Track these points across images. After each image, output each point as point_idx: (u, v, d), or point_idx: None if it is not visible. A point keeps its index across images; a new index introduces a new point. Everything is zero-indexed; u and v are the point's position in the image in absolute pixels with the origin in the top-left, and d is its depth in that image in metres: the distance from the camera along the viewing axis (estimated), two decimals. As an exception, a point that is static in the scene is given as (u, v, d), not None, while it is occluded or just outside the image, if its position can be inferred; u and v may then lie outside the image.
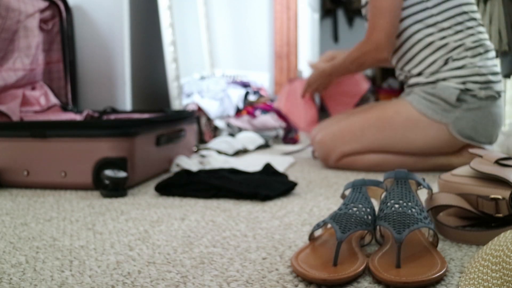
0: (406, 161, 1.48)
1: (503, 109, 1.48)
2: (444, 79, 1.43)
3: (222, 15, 3.06)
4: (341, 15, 6.25)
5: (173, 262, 0.73)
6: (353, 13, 6.16)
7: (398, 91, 5.00)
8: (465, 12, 1.44)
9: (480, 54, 1.42)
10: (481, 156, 0.93)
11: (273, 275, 0.67)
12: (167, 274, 0.68)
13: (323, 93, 1.81)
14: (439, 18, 1.44)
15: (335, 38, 6.29)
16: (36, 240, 0.85)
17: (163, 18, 2.19)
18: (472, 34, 1.43)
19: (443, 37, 1.44)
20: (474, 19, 1.45)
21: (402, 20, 1.47)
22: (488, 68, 1.42)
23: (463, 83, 1.41)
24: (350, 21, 6.23)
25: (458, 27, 1.43)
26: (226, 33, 3.07)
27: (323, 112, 1.90)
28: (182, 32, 2.57)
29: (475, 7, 1.47)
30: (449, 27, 1.43)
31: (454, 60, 1.42)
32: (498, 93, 1.43)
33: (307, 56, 3.46)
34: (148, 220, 0.98)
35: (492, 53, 1.46)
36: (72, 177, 1.28)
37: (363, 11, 1.59)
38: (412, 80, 1.51)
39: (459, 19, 1.43)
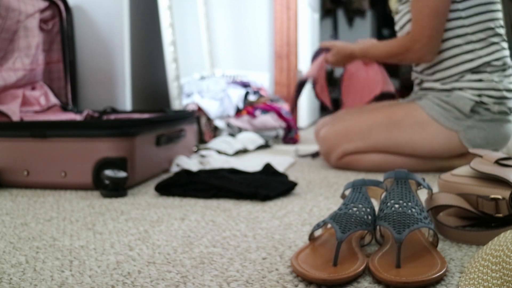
0: (408, 163, 1.48)
1: None
2: (460, 89, 1.42)
3: (222, 15, 3.06)
4: (341, 15, 6.26)
5: (173, 262, 0.73)
6: (353, 13, 6.16)
7: (398, 91, 5.00)
8: (491, 28, 1.41)
9: (499, 71, 1.42)
10: (481, 156, 0.93)
11: (273, 275, 0.67)
12: (167, 274, 0.68)
13: (344, 81, 1.80)
14: (469, 30, 1.41)
15: (335, 38, 6.29)
16: (36, 240, 0.85)
17: (163, 18, 2.19)
18: (497, 51, 1.42)
19: (469, 51, 1.41)
20: (499, 34, 1.43)
21: None
22: (504, 84, 1.41)
23: (479, 95, 1.40)
24: (350, 21, 6.23)
25: (484, 42, 1.41)
26: (226, 33, 3.07)
27: (324, 111, 1.90)
28: (182, 32, 2.57)
29: (501, 22, 1.44)
30: (476, 41, 1.41)
31: (473, 73, 1.41)
32: (510, 109, 1.43)
33: (307, 56, 3.46)
34: (148, 220, 0.98)
35: (510, 71, 1.45)
36: (72, 177, 1.29)
37: (397, 6, 1.54)
38: (427, 84, 1.50)
39: (488, 33, 1.41)
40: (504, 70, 1.42)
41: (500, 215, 0.80)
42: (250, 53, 3.06)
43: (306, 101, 3.44)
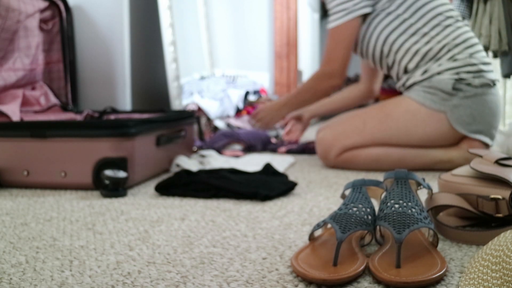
0: (406, 154, 1.50)
1: (500, 98, 1.55)
2: (438, 73, 1.49)
3: (222, 15, 3.06)
4: (341, 15, 6.24)
5: (173, 262, 0.73)
6: (353, 13, 6.14)
7: (398, 91, 4.99)
8: (439, 14, 1.52)
9: (466, 48, 1.50)
10: (481, 156, 0.93)
11: (273, 275, 0.67)
12: (167, 274, 0.68)
13: None
14: (418, 25, 1.52)
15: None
16: (36, 240, 0.85)
17: (163, 18, 2.19)
18: (452, 31, 1.51)
19: (427, 42, 1.52)
20: (450, 17, 1.53)
21: (388, 35, 1.55)
22: (478, 59, 1.50)
23: (457, 73, 1.47)
24: (350, 21, 6.21)
25: (438, 29, 1.52)
26: (226, 33, 3.07)
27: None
28: (182, 32, 2.57)
29: (450, 6, 1.56)
30: (429, 31, 1.52)
31: (437, 59, 1.50)
32: (493, 82, 1.49)
33: (307, 56, 3.46)
34: (148, 220, 0.98)
35: (479, 46, 1.53)
36: (72, 177, 1.28)
37: None
38: (409, 82, 1.56)
39: (436, 21, 1.52)
40: (470, 46, 1.51)
41: (500, 215, 0.80)
42: (250, 53, 3.06)
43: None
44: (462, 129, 1.47)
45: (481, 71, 1.48)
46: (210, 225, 0.93)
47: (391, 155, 1.51)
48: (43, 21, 1.87)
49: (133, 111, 1.87)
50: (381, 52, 1.59)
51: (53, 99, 1.88)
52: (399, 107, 1.52)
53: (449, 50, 1.49)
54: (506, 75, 2.32)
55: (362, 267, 0.65)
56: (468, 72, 1.47)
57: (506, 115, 2.54)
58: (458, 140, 1.50)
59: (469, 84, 1.46)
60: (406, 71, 1.57)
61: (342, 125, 1.59)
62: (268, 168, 1.37)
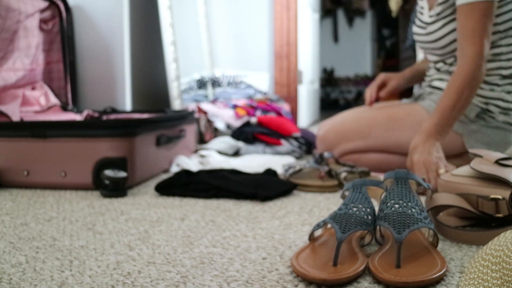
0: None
1: None
2: None
3: (222, 15, 3.06)
4: (341, 15, 6.26)
5: (173, 262, 0.73)
6: (353, 13, 6.17)
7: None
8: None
9: (510, 83, 1.39)
10: (481, 156, 0.93)
11: (273, 275, 0.67)
12: (167, 274, 0.68)
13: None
14: (503, 42, 1.36)
15: (335, 38, 6.30)
16: (36, 240, 0.85)
17: (163, 18, 2.19)
18: (508, 59, 1.37)
19: (492, 60, 1.37)
20: None
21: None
22: None
23: (486, 103, 1.38)
24: (350, 21, 6.23)
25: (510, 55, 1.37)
26: (226, 33, 3.07)
27: (324, 111, 1.92)
28: (182, 32, 2.57)
29: None
30: (507, 52, 1.37)
31: (486, 82, 1.38)
32: None
33: (307, 56, 3.46)
34: (148, 220, 0.98)
35: None
36: (72, 177, 1.28)
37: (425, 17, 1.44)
38: (435, 83, 1.48)
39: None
40: None
41: (500, 215, 0.80)
42: (250, 53, 3.06)
43: (306, 101, 3.43)
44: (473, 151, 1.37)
45: (510, 109, 1.38)
46: (210, 225, 0.93)
47: (392, 162, 1.48)
48: (43, 21, 1.87)
49: (133, 111, 1.87)
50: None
51: (53, 99, 1.88)
52: (410, 118, 1.45)
53: (500, 78, 1.36)
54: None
55: (362, 267, 0.65)
56: (498, 106, 1.38)
57: None
58: (461, 152, 1.44)
59: (493, 117, 1.38)
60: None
61: (345, 126, 1.55)
62: (269, 171, 1.37)
